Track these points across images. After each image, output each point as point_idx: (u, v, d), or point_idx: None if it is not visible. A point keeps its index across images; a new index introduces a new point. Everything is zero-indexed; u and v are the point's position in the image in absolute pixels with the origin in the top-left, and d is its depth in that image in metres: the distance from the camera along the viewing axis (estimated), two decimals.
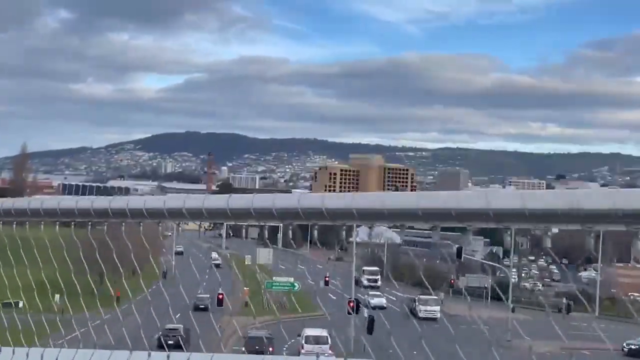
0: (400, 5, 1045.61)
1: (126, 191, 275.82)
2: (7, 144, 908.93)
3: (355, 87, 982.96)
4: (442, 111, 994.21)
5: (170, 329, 40.87)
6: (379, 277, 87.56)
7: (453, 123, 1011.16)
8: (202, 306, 64.56)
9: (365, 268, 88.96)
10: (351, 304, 43.56)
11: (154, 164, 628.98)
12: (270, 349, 40.46)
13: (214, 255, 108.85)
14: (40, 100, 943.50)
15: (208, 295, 66.62)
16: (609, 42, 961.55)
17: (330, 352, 39.85)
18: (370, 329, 38.42)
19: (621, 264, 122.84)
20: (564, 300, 56.00)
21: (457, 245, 66.38)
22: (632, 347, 48.64)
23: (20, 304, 57.02)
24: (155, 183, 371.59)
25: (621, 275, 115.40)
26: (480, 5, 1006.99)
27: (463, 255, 56.53)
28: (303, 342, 41.52)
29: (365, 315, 39.38)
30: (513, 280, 63.25)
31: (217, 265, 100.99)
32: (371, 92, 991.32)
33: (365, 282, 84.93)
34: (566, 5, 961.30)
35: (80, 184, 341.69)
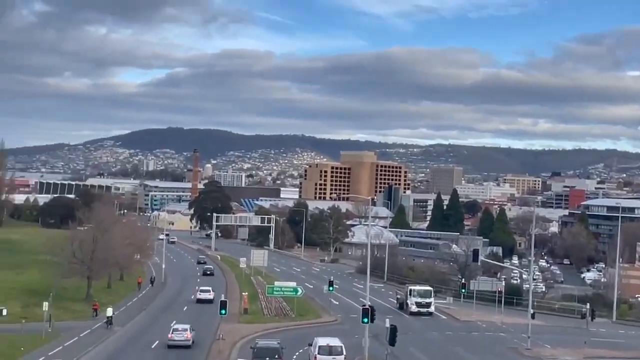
0: None
1: (106, 189, 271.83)
2: None
3: (342, 82, 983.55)
4: (431, 107, 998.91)
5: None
6: (432, 299, 67.65)
7: (443, 119, 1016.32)
8: (209, 272, 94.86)
9: (412, 287, 68.83)
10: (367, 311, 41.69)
11: (135, 161, 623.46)
12: None
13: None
14: (15, 95, 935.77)
15: (211, 267, 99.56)
16: (597, 36, 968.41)
17: None
18: (392, 340, 36.71)
19: (627, 265, 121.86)
20: (587, 306, 54.33)
21: (473, 248, 64.40)
22: None
23: (4, 312, 54.24)
24: (137, 181, 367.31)
25: (628, 276, 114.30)
26: None
27: (479, 259, 54.69)
28: (316, 352, 39.70)
29: (387, 324, 37.47)
30: (531, 284, 61.10)
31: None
32: (358, 87, 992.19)
33: (414, 308, 66.12)
34: None
35: (58, 182, 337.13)
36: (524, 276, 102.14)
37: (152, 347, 45.66)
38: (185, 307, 64.84)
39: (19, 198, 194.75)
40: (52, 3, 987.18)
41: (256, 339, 45.46)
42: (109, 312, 53.44)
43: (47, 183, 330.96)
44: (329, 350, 39.09)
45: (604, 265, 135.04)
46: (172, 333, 46.81)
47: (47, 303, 49.05)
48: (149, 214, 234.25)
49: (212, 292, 69.76)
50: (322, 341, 40.28)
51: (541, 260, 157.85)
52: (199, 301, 68.97)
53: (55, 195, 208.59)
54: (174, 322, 50.54)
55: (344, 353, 39.19)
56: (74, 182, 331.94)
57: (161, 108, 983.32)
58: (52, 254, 66.69)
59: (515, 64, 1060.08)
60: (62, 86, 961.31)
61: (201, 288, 72.47)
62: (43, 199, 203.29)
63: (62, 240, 68.02)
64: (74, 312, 58.06)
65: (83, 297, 64.92)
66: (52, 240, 70.68)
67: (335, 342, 40.39)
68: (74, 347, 43.27)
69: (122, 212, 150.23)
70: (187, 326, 47.74)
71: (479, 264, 72.46)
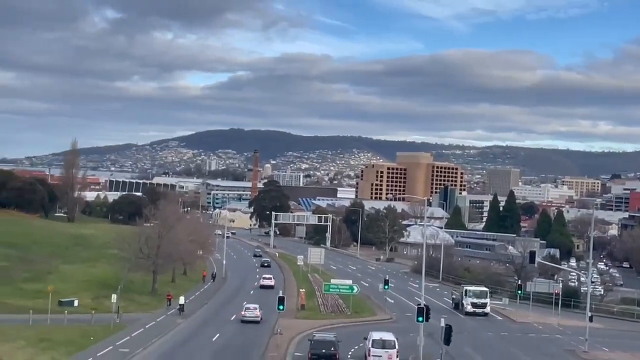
0: (445, 1, 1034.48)
1: (171, 188, 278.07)
2: (55, 141, 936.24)
3: (399, 84, 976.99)
4: (488, 108, 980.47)
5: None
6: (488, 300, 66.12)
7: (500, 121, 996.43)
8: (266, 264, 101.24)
9: (468, 288, 67.68)
10: (421, 309, 41.36)
11: (198, 161, 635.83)
12: (337, 354, 38.94)
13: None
14: (87, 98, 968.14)
15: (268, 259, 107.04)
16: None
17: (396, 358, 38.33)
18: (447, 339, 36.30)
19: None
20: None
21: (530, 249, 62.90)
22: None
23: (76, 303, 56.31)
24: (200, 180, 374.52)
25: None
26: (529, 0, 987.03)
27: (536, 260, 53.22)
28: (370, 345, 40.06)
29: (442, 324, 37.12)
30: (590, 287, 59.30)
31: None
32: (415, 89, 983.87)
33: (469, 308, 65.03)
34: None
35: (127, 180, 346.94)
36: (582, 279, 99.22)
37: (213, 339, 46.42)
38: (245, 302, 65.72)
39: (90, 195, 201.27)
40: (122, 10, 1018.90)
41: (313, 333, 45.79)
42: (182, 300, 57.92)
43: (116, 181, 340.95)
44: (382, 344, 39.56)
45: None
46: (244, 311, 54.61)
47: (115, 295, 50.63)
48: (211, 212, 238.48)
49: (273, 279, 79.12)
50: (375, 335, 40.73)
51: (600, 263, 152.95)
52: (262, 287, 76.76)
53: (124, 193, 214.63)
54: (245, 302, 59.44)
55: (397, 347, 39.41)
56: (141, 181, 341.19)
57: (224, 110, 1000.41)
58: (121, 248, 68.64)
59: (574, 65, 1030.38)
60: (131, 89, 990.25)
61: (264, 275, 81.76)
62: (112, 196, 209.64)
63: (130, 236, 69.88)
64: (140, 305, 59.61)
65: (149, 290, 66.59)
66: (120, 235, 72.70)
67: (388, 336, 40.74)
68: (140, 338, 44.47)
69: (185, 209, 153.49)
70: (257, 305, 55.87)
71: (536, 265, 70.60)
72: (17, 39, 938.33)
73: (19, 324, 45.01)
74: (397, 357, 38.79)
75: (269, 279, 79.06)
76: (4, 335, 40.52)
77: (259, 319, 53.85)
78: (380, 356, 38.41)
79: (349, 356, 42.34)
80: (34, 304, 51.57)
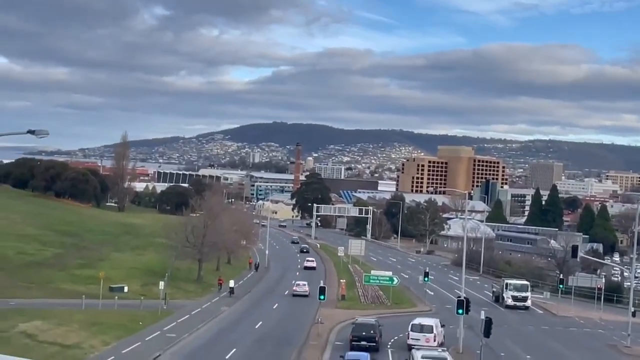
0: None
1: (216, 180, 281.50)
2: (107, 134, 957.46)
3: (440, 78, 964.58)
4: (530, 102, 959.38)
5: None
6: (528, 294, 65.44)
7: (543, 115, 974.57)
8: (305, 250, 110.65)
9: (509, 281, 67.09)
10: (461, 302, 41.11)
11: (242, 154, 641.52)
12: (377, 337, 39.44)
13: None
14: (137, 93, 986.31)
15: (307, 245, 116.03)
16: None
17: (434, 342, 38.68)
18: (487, 331, 35.98)
19: None
20: None
21: (572, 243, 61.65)
22: None
23: (126, 289, 57.61)
24: (244, 172, 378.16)
25: None
26: None
27: (579, 255, 52.05)
28: (409, 329, 40.77)
29: (482, 316, 36.84)
30: (634, 282, 57.93)
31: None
32: (456, 83, 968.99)
33: (510, 301, 64.23)
34: None
35: (174, 172, 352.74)
36: (626, 274, 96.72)
37: (256, 327, 47.02)
38: (287, 291, 66.21)
39: (139, 186, 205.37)
40: (170, 7, 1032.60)
41: (356, 317, 46.37)
42: (232, 283, 62.31)
43: (164, 173, 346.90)
44: (420, 328, 40.61)
45: None
46: (295, 287, 63.78)
47: (163, 282, 51.69)
48: (254, 203, 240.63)
49: (315, 262, 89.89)
50: (416, 320, 42.01)
51: None
52: (306, 268, 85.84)
53: (171, 184, 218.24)
54: (294, 280, 69.35)
55: (434, 332, 39.96)
56: (187, 172, 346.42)
57: (267, 104, 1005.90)
58: (168, 237, 69.88)
59: (619, 59, 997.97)
60: (178, 84, 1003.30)
61: (307, 258, 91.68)
62: (160, 187, 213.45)
63: (177, 226, 71.04)
64: (186, 292, 60.69)
65: (194, 278, 67.76)
66: (167, 225, 73.99)
67: (428, 321, 41.86)
68: (186, 324, 45.37)
69: (230, 200, 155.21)
70: (306, 282, 64.64)
71: (578, 260, 69.06)
72: (71, 35, 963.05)
73: (73, 308, 46.44)
74: (434, 341, 39.52)
75: (312, 261, 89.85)
76: (58, 318, 41.88)
77: (307, 293, 62.16)
78: (418, 339, 39.39)
79: (389, 345, 42.44)
80: (86, 289, 53.11)
